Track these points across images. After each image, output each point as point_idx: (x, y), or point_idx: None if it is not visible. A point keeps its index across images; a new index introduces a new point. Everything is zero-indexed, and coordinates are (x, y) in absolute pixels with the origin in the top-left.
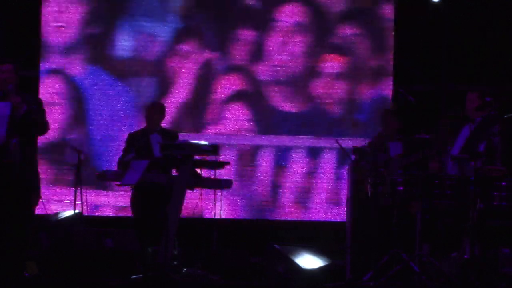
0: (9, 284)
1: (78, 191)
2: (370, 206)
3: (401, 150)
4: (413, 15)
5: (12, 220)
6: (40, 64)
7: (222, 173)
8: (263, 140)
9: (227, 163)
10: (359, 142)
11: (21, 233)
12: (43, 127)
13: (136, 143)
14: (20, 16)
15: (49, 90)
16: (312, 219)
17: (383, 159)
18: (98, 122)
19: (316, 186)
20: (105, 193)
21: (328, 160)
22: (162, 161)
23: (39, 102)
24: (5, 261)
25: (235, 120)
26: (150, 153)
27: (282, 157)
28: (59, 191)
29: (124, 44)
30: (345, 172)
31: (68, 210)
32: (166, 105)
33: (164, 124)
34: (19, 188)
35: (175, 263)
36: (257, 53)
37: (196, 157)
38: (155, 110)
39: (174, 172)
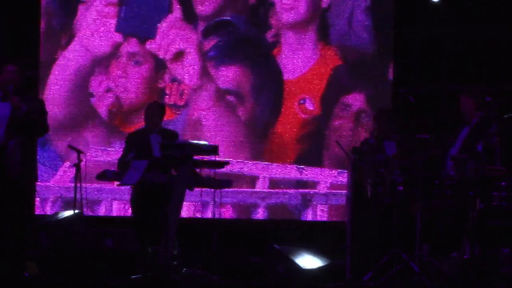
0: (9, 284)
1: (78, 190)
2: (370, 206)
3: (395, 150)
4: (413, 15)
5: (12, 220)
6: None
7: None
8: None
9: (227, 163)
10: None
11: (21, 233)
12: (43, 129)
13: (136, 143)
14: (20, 16)
15: None
16: (312, 219)
17: (382, 159)
18: None
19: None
20: (105, 193)
21: None
22: (162, 161)
23: (40, 103)
24: (5, 261)
25: None
26: (150, 153)
27: None
28: (59, 190)
29: None
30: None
31: (68, 210)
32: None
33: None
34: (18, 188)
35: (175, 263)
36: None
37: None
38: (154, 110)
39: (174, 172)
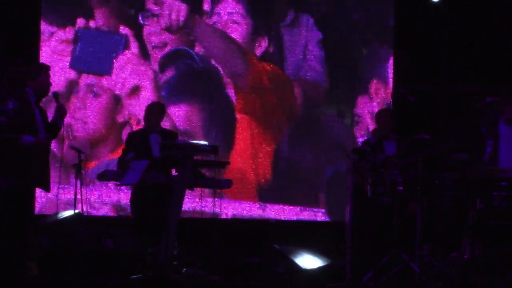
0: (9, 284)
1: (78, 190)
2: (370, 206)
3: (395, 150)
4: (413, 15)
5: (14, 221)
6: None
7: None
8: None
9: (227, 163)
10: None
11: (22, 233)
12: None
13: (136, 143)
14: (20, 16)
15: None
16: (312, 219)
17: (382, 159)
18: None
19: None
20: (105, 193)
21: None
22: (162, 161)
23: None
24: (5, 261)
25: None
26: (149, 153)
27: None
28: (59, 190)
29: None
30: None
31: (68, 210)
32: None
33: None
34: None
35: (175, 263)
36: None
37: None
38: (154, 110)
39: (174, 172)
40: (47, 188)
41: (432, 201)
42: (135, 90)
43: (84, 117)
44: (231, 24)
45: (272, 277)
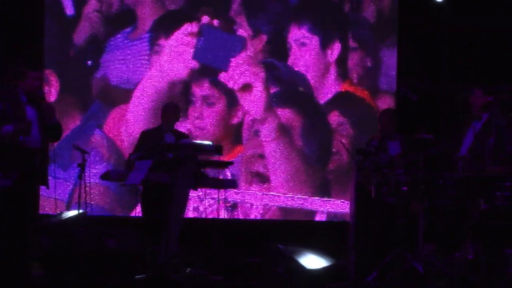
0: (13, 284)
1: (83, 191)
2: (374, 206)
3: (400, 149)
4: (416, 14)
5: (16, 220)
6: None
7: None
8: None
9: (231, 163)
10: None
11: (25, 233)
12: (61, 134)
13: (151, 142)
14: (21, 15)
15: None
16: (315, 219)
17: (386, 159)
18: None
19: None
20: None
21: None
22: (166, 160)
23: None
24: (6, 261)
25: None
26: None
27: None
28: (63, 190)
29: None
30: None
31: (72, 210)
32: None
33: None
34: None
35: (174, 261)
36: None
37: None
38: (172, 110)
39: None
40: (46, 184)
41: (434, 201)
42: (246, 88)
43: (202, 125)
44: (301, 48)
45: (272, 277)
